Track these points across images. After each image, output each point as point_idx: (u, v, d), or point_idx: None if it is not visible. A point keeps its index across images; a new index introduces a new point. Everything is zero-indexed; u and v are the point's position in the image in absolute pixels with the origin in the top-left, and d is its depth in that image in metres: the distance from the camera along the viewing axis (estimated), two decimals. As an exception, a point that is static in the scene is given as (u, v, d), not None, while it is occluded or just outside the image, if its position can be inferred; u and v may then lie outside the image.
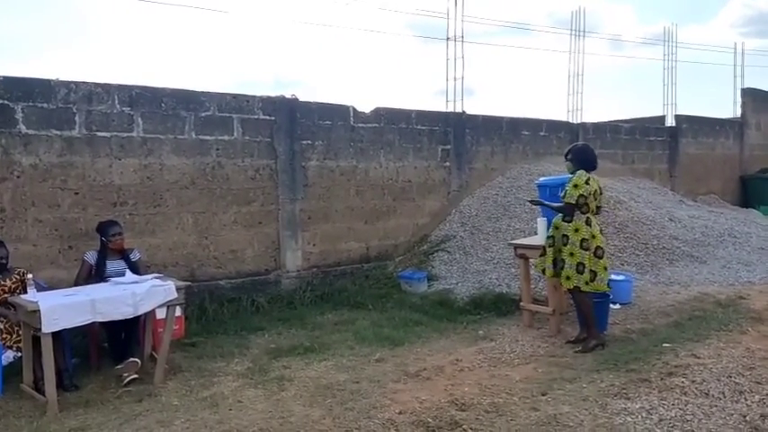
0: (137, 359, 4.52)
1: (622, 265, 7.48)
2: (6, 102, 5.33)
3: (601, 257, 4.93)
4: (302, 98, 7.14)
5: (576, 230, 4.89)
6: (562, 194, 5.01)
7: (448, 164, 8.62)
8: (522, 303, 5.79)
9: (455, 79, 10.74)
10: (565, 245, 4.93)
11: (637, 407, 3.68)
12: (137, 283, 4.54)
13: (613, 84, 38.42)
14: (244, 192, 6.68)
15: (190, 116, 6.29)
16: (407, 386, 4.24)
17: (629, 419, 3.53)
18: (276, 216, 6.93)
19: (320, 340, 5.38)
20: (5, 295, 4.51)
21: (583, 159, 5.07)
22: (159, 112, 6.10)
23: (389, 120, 7.94)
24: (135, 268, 4.97)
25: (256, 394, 4.19)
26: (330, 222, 7.39)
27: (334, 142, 7.40)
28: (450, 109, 10.59)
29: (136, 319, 4.57)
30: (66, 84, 5.61)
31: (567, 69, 13.25)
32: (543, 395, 3.97)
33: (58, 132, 5.57)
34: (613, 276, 6.45)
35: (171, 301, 4.53)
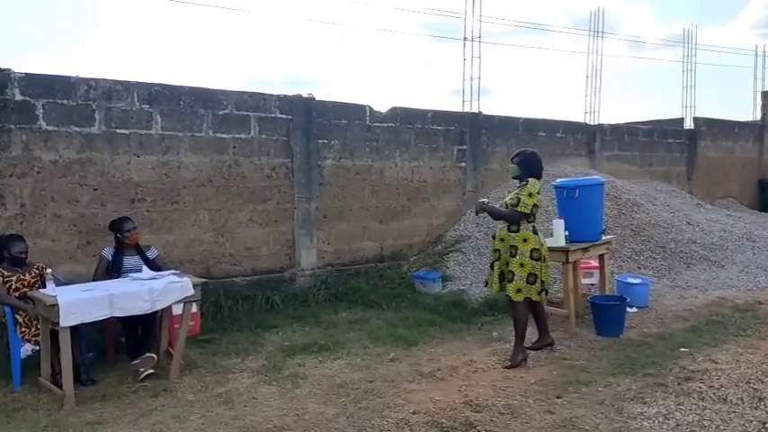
0: (153, 354, 4.56)
1: (639, 268, 7.42)
2: (27, 98, 5.39)
3: (548, 266, 4.81)
4: (317, 97, 7.16)
5: (525, 240, 4.67)
6: (512, 202, 4.72)
7: (463, 164, 8.59)
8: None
9: (471, 79, 10.74)
10: (513, 256, 4.70)
11: (653, 411, 3.65)
12: (154, 279, 4.58)
13: (631, 85, 38.14)
14: (260, 190, 6.71)
15: (207, 114, 6.33)
16: (421, 386, 4.24)
17: (646, 424, 3.50)
18: (291, 215, 6.96)
19: (334, 339, 5.39)
20: (24, 289, 4.56)
21: (531, 166, 4.84)
22: (177, 109, 6.14)
23: (405, 119, 7.93)
24: (154, 265, 5.01)
25: (271, 391, 4.21)
26: (345, 221, 7.40)
27: (349, 141, 7.41)
28: (467, 109, 10.58)
29: (153, 315, 4.61)
30: (86, 81, 5.66)
31: (585, 70, 13.14)
32: (558, 398, 3.95)
33: (78, 129, 5.62)
34: (630, 279, 6.42)
35: (187, 297, 4.56)
